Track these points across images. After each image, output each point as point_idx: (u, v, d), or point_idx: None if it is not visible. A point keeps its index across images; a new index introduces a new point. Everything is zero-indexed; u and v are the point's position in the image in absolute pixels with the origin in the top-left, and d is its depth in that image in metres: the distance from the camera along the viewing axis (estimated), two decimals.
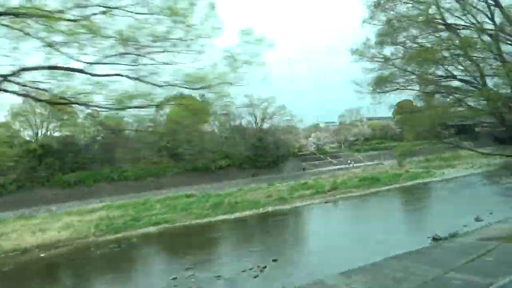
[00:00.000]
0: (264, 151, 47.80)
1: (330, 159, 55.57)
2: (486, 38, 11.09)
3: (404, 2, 11.85)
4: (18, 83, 5.43)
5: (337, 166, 51.99)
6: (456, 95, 12.74)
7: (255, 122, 53.40)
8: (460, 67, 11.71)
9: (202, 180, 43.02)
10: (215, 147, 46.78)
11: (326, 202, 27.38)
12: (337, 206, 26.91)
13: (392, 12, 12.09)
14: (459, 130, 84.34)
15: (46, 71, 5.51)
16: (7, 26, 5.00)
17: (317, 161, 54.23)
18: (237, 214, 25.00)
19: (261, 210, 25.84)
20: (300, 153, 55.26)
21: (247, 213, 25.28)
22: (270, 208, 26.13)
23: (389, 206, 25.96)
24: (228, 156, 46.84)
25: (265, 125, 53.52)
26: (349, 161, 53.36)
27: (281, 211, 25.39)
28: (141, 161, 42.34)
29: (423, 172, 40.38)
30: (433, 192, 29.50)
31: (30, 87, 5.61)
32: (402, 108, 75.10)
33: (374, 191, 30.47)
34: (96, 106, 6.04)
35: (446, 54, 11.31)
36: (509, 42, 11.22)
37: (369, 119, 78.48)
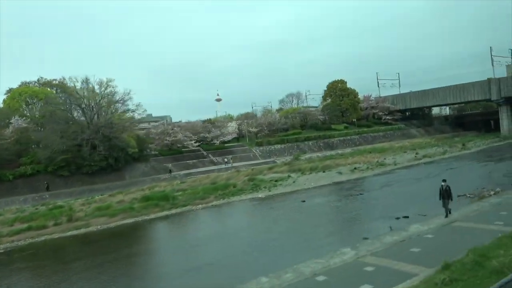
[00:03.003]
0: (94, 152, 36.87)
1: (211, 157, 47.23)
2: None
3: None
4: None
5: (217, 167, 43.49)
6: None
7: (84, 115, 40.62)
8: None
9: None
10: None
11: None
12: None
13: None
14: (412, 115, 71.88)
15: None
16: None
17: (195, 160, 45.31)
18: None
19: None
20: (185, 149, 47.39)
21: None
22: None
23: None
24: (39, 160, 35.71)
25: (102, 119, 40.99)
26: (225, 160, 45.49)
27: None
28: None
29: (271, 180, 30.46)
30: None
31: None
32: (333, 90, 57.84)
33: (123, 224, 21.50)
34: None
35: None
36: None
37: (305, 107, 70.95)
